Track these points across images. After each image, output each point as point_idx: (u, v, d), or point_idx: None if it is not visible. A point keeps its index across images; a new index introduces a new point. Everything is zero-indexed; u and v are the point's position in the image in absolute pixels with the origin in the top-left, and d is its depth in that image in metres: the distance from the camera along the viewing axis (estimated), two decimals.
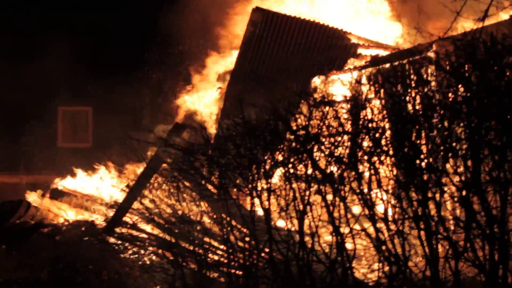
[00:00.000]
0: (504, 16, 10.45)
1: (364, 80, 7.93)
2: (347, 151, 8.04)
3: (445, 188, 7.31)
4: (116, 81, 22.96)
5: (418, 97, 7.35)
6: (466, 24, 9.25)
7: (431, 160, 7.34)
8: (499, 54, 6.49)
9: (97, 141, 25.20)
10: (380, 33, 16.62)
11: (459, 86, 6.97)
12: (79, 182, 18.78)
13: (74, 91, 24.59)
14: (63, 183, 18.58)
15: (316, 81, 10.19)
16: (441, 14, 11.33)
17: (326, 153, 8.19)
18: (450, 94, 7.19)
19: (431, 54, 7.63)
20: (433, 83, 7.32)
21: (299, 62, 15.76)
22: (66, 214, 16.28)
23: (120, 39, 24.84)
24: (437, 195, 7.35)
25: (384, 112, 7.62)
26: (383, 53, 15.88)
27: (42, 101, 24.60)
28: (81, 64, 22.94)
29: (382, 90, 7.64)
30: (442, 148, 7.26)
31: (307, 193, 8.54)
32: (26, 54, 23.73)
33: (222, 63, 20.27)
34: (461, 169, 7.13)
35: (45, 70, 23.56)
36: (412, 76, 7.38)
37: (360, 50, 16.19)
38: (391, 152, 7.62)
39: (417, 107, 7.37)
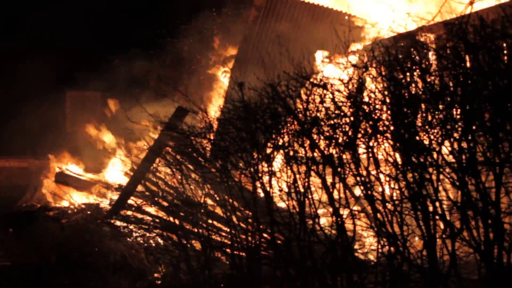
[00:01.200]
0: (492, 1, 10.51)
1: (362, 64, 7.99)
2: (346, 133, 8.10)
3: (441, 169, 7.38)
4: (125, 65, 23.07)
5: (413, 80, 7.42)
6: (458, 9, 9.29)
7: (427, 141, 7.41)
8: (489, 37, 6.57)
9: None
10: (381, 17, 16.63)
11: (454, 69, 7.04)
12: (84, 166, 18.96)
13: (83, 75, 24.68)
14: (69, 167, 18.73)
15: (317, 64, 10.21)
16: None
17: (326, 135, 8.26)
18: (446, 78, 7.25)
19: (424, 38, 7.67)
20: (427, 66, 7.38)
21: (301, 46, 15.79)
22: (72, 197, 16.41)
23: (130, 22, 24.97)
24: (434, 176, 7.44)
25: (381, 95, 7.69)
26: (383, 36, 15.89)
27: (51, 85, 24.69)
28: (90, 48, 23.04)
29: (378, 74, 7.71)
30: (438, 129, 7.33)
31: (307, 175, 8.63)
32: (35, 37, 23.81)
33: (229, 47, 20.35)
34: (456, 150, 7.20)
35: (54, 54, 23.67)
36: (407, 60, 7.44)
37: (362, 34, 16.23)
38: (388, 135, 7.69)
39: (413, 90, 7.44)
